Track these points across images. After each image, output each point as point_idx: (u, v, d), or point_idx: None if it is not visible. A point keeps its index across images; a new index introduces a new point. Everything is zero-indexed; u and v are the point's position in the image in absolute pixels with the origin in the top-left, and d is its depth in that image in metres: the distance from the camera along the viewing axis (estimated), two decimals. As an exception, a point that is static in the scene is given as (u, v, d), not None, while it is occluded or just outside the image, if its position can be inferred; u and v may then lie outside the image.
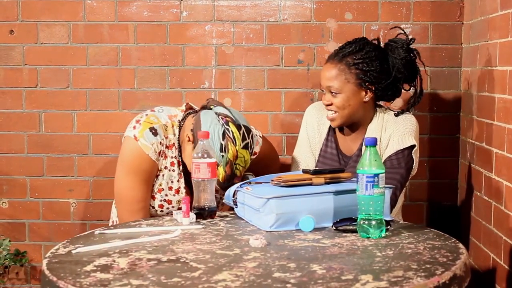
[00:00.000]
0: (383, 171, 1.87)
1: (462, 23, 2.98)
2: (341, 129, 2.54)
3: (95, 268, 1.62)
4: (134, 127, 2.29)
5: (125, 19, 3.03)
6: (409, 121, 2.43)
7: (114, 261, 1.68)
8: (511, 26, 2.33)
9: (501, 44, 2.44)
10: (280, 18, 3.01)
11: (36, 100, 3.07)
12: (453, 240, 1.88)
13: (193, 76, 3.05)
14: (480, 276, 2.67)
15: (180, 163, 2.36)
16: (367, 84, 2.40)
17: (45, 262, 1.69)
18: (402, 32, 2.50)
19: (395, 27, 2.62)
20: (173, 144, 2.34)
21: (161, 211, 2.39)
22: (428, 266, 1.62)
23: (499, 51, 2.46)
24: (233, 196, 2.17)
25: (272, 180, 2.12)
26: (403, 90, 2.52)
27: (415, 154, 2.41)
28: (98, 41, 3.04)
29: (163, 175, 2.34)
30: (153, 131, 2.28)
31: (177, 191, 2.37)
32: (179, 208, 2.37)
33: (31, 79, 3.07)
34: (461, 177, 2.98)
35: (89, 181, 3.09)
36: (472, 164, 2.81)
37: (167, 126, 2.33)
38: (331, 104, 2.43)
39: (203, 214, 2.14)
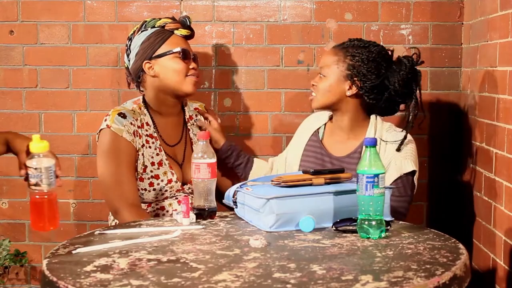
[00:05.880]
0: (383, 171, 1.87)
1: (462, 24, 2.98)
2: (333, 132, 2.54)
3: (95, 268, 1.63)
4: (105, 119, 2.49)
5: (125, 19, 3.02)
6: (409, 145, 2.42)
7: (114, 261, 1.68)
8: (511, 26, 2.33)
9: (501, 45, 2.44)
10: (280, 18, 3.01)
11: (36, 101, 3.07)
12: (453, 240, 1.88)
13: (193, 76, 3.05)
14: (480, 277, 2.67)
15: (157, 138, 2.54)
16: (354, 78, 2.41)
17: (45, 262, 1.69)
18: (417, 53, 2.45)
19: (413, 47, 2.58)
20: (146, 123, 2.54)
21: (154, 189, 2.50)
22: (428, 266, 1.62)
23: (499, 52, 2.46)
24: (233, 197, 2.18)
25: (272, 181, 2.12)
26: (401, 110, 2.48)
27: (416, 179, 2.43)
28: (98, 42, 3.03)
29: (142, 154, 2.49)
30: (122, 115, 2.49)
31: (160, 164, 2.51)
32: (169, 181, 2.51)
33: (31, 80, 3.06)
34: (461, 177, 2.98)
35: (89, 181, 3.09)
36: (472, 164, 2.81)
37: (134, 111, 2.54)
38: (315, 85, 2.47)
39: (203, 214, 2.15)
